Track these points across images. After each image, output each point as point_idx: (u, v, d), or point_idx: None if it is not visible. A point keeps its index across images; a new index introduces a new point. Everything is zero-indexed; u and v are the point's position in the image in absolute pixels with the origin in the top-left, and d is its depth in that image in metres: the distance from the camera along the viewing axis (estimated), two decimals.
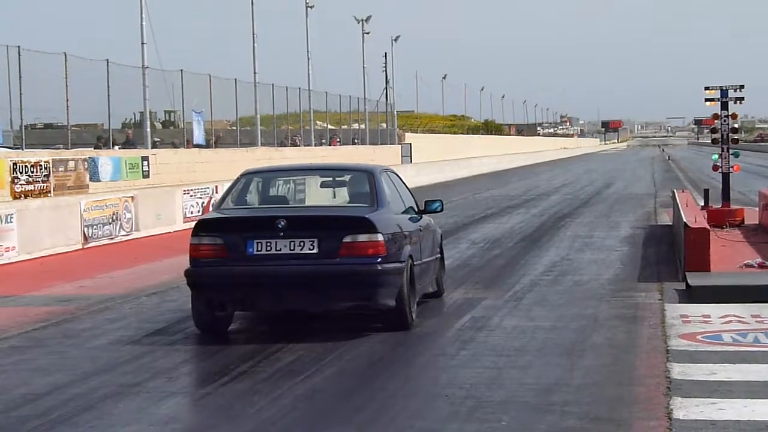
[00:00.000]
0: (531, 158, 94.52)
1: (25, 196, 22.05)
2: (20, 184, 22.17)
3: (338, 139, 50.86)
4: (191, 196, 27.76)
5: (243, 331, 11.73)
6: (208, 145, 34.36)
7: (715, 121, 22.84)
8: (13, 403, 8.58)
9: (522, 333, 11.07)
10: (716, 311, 11.80)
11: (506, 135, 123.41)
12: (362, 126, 55.29)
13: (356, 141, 53.01)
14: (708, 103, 22.77)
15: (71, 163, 24.27)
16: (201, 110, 33.91)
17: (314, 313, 11.79)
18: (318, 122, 49.49)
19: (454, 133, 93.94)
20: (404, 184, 13.00)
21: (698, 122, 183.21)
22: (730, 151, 23.12)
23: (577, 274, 15.71)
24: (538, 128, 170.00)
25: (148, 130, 31.34)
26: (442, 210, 13.10)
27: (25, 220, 19.98)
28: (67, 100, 25.58)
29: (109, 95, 27.54)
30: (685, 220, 15.35)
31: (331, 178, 12.65)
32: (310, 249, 10.74)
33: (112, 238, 22.98)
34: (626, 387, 8.61)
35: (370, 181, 11.75)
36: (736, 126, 22.92)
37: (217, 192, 29.22)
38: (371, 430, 7.67)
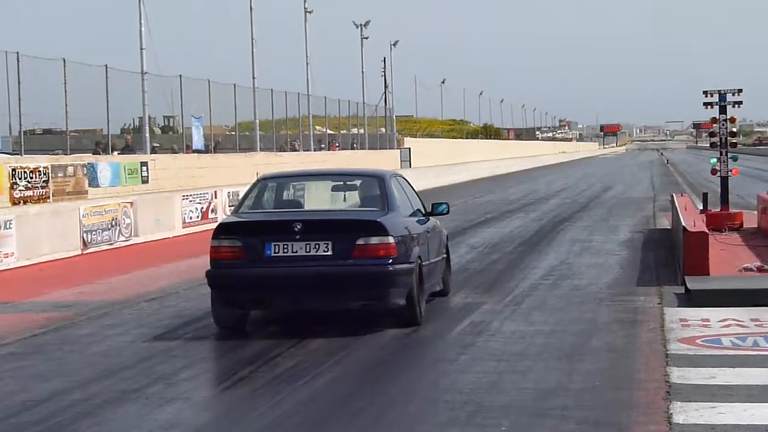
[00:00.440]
0: (530, 162, 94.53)
1: (24, 202, 22.04)
2: (19, 190, 22.16)
3: (337, 144, 50.85)
4: (190, 201, 27.76)
5: (243, 336, 11.72)
6: (207, 151, 34.35)
7: (714, 124, 22.84)
8: (12, 410, 8.57)
9: (521, 337, 11.07)
10: (715, 315, 11.79)
11: (505, 139, 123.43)
12: (361, 131, 55.27)
13: (355, 146, 53.00)
14: (706, 107, 22.78)
15: (70, 169, 24.27)
16: (200, 115, 33.89)
17: (328, 312, 12.09)
18: (317, 127, 49.46)
19: (453, 137, 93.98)
20: (412, 188, 13.51)
21: (697, 126, 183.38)
22: (729, 155, 23.13)
23: (576, 278, 15.71)
24: (537, 132, 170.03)
25: (147, 135, 31.30)
26: (448, 212, 13.59)
27: (24, 225, 19.98)
28: (66, 105, 25.54)
29: (108, 101, 27.50)
30: (684, 223, 15.35)
31: (342, 183, 13.28)
32: (324, 251, 11.22)
33: (111, 244, 22.97)
34: (626, 391, 8.61)
35: (380, 186, 12.28)
36: (734, 130, 22.91)
37: (216, 197, 29.26)
38: None
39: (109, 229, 23.01)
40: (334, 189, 13.22)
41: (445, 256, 13.88)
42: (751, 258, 16.13)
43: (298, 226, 11.26)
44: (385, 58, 73.65)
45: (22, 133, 24.42)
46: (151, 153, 30.70)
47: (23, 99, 23.59)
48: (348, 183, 13.22)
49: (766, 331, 10.85)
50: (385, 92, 69.82)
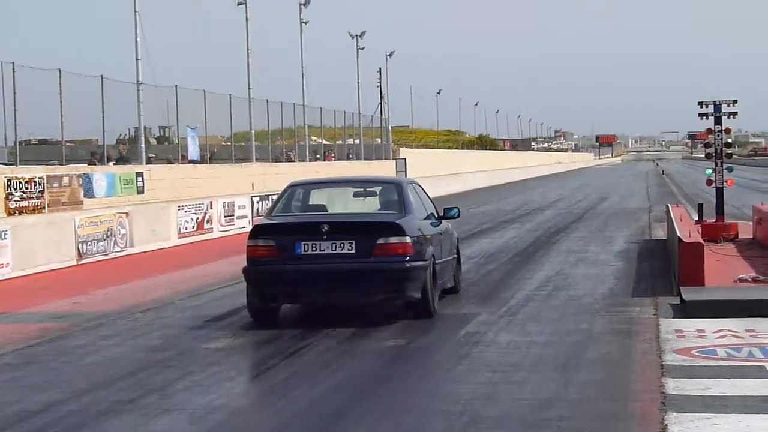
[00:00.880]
0: (525, 173, 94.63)
1: (20, 213, 22.02)
2: (14, 200, 22.14)
3: (333, 155, 50.85)
4: (186, 211, 27.75)
5: (237, 348, 11.72)
6: (202, 161, 34.33)
7: (709, 135, 22.88)
8: (6, 421, 8.55)
9: (517, 348, 11.07)
10: (711, 326, 11.79)
11: (501, 150, 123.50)
12: (357, 141, 55.29)
13: (351, 156, 53.01)
14: (702, 117, 22.82)
15: (66, 179, 24.24)
16: (196, 126, 33.85)
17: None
18: (312, 137, 49.39)
19: (449, 148, 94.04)
20: (426, 194, 14.65)
21: (692, 137, 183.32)
22: (724, 166, 23.16)
23: (571, 288, 15.71)
24: (533, 143, 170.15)
25: (143, 145, 31.27)
26: (459, 216, 14.71)
27: (20, 236, 19.96)
28: (62, 116, 25.49)
29: (103, 111, 27.47)
30: (679, 234, 15.37)
31: (363, 189, 14.41)
32: (349, 249, 12.42)
33: (106, 254, 22.95)
34: (621, 402, 8.61)
35: (398, 192, 13.56)
36: (729, 140, 22.95)
37: (211, 208, 29.25)
38: None
39: (104, 240, 23.00)
40: (356, 195, 14.29)
41: (455, 256, 15.09)
42: (747, 269, 16.16)
43: (325, 227, 12.48)
44: (380, 68, 73.69)
45: (18, 143, 24.40)
46: (146, 163, 30.67)
47: (19, 109, 23.56)
48: (369, 189, 14.37)
49: (762, 342, 10.86)
50: (380, 103, 69.84)
